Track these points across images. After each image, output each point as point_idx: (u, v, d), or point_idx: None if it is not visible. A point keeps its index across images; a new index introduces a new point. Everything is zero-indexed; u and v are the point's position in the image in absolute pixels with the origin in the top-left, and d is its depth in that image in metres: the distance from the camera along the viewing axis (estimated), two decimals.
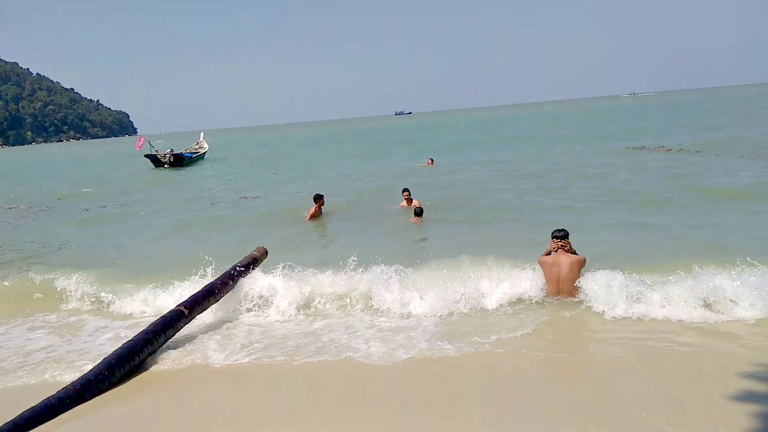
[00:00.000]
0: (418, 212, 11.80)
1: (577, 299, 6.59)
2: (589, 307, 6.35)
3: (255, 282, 7.27)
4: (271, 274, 7.32)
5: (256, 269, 7.59)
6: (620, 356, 5.17)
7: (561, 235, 6.92)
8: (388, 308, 6.83)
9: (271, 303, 7.06)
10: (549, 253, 7.01)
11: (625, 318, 6.06)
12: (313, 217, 12.70)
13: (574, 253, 6.93)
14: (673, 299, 6.17)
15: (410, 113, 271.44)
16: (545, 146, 28.80)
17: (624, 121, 48.54)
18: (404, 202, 13.14)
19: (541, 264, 6.98)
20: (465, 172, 20.18)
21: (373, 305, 6.93)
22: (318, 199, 12.93)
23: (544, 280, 6.88)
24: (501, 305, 6.70)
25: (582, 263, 6.81)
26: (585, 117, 64.21)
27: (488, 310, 6.63)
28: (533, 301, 6.74)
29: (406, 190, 13.32)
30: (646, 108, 74.35)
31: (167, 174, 29.40)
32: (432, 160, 22.82)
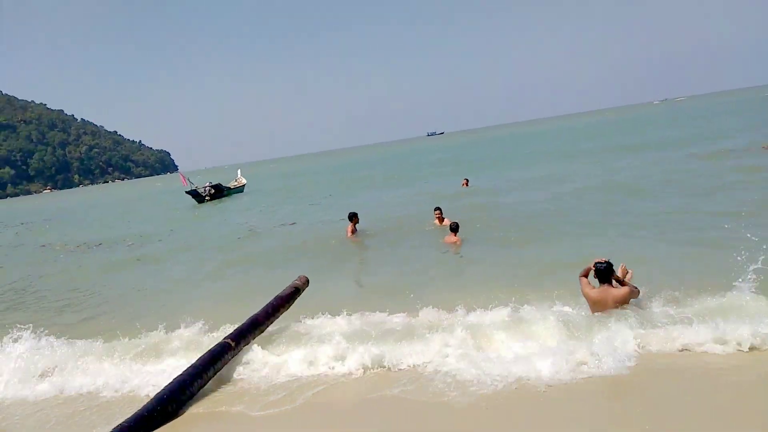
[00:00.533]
0: (454, 228, 11.49)
1: None
2: None
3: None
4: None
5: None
6: None
7: (603, 269, 6.26)
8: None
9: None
10: (587, 274, 6.50)
11: None
12: (352, 233, 13.30)
13: (621, 282, 6.36)
14: None
15: (442, 133, 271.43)
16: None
17: (683, 125, 46.66)
18: (436, 221, 13.14)
19: (585, 296, 6.46)
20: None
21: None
22: (353, 217, 13.45)
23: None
24: None
25: (629, 295, 6.23)
26: (634, 124, 62.61)
27: None
28: None
29: (438, 208, 13.34)
30: (697, 111, 71.92)
31: (208, 208, 30.18)
32: (467, 181, 21.84)
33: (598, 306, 6.32)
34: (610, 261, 6.36)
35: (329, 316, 7.31)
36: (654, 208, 12.84)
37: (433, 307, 7.18)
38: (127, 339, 7.49)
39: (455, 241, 11.39)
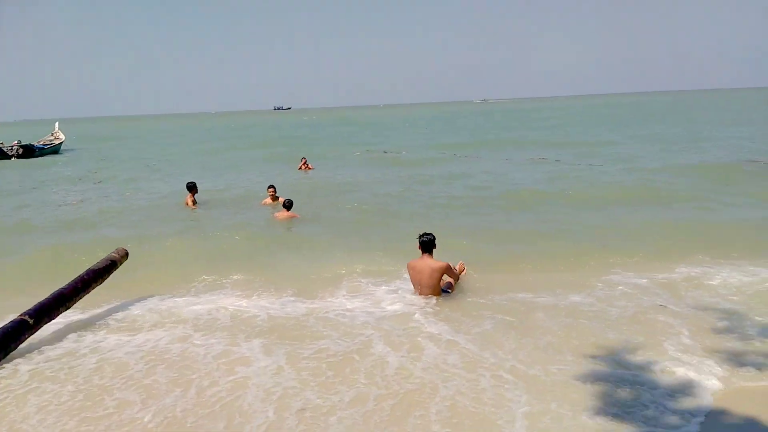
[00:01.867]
0: (287, 205, 11.59)
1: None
2: None
3: None
4: None
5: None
6: None
7: (424, 241, 6.94)
8: None
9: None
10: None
11: None
12: (193, 204, 13.20)
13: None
14: None
15: (289, 109, 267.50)
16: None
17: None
18: (268, 199, 13.15)
19: (408, 268, 7.10)
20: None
21: None
22: (192, 188, 13.35)
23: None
24: None
25: (446, 269, 6.90)
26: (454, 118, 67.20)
27: None
28: None
29: (271, 186, 13.40)
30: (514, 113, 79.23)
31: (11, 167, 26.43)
32: (305, 160, 21.17)
33: (416, 273, 6.92)
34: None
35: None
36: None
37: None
38: None
39: (288, 217, 11.48)
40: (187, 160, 25.57)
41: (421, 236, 6.96)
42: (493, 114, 74.41)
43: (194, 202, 13.33)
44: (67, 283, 6.54)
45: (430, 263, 6.85)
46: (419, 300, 6.83)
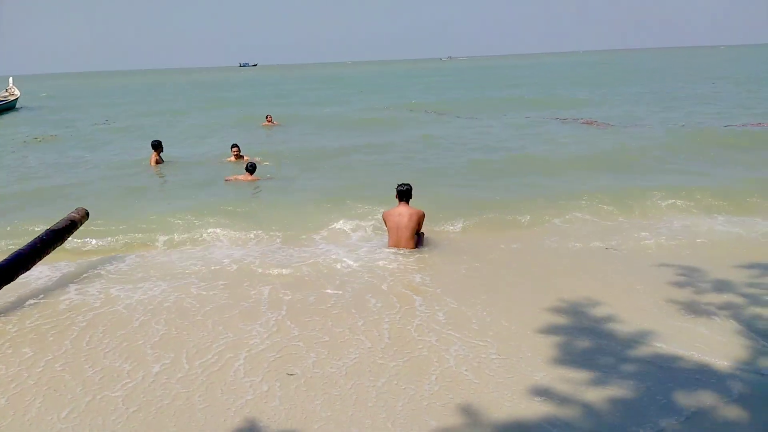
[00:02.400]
0: (250, 168, 11.27)
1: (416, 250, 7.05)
2: None
3: None
4: None
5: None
6: None
7: (402, 190, 7.22)
8: None
9: None
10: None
11: None
12: (157, 164, 13.04)
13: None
14: None
15: (255, 65, 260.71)
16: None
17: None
18: (232, 158, 13.01)
19: (384, 218, 7.30)
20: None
21: None
22: (157, 146, 13.18)
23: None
24: None
25: (423, 217, 7.17)
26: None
27: None
28: None
29: (234, 145, 13.20)
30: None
31: None
32: (270, 118, 21.13)
33: (394, 219, 7.12)
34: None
35: None
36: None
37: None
38: None
39: (251, 180, 11.25)
40: (148, 121, 24.72)
41: (399, 186, 7.24)
42: (464, 72, 73.73)
43: (158, 161, 13.10)
44: (25, 244, 6.37)
45: (408, 210, 7.12)
46: (393, 254, 6.98)
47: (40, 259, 6.38)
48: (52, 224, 6.82)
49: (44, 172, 13.50)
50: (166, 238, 7.87)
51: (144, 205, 9.76)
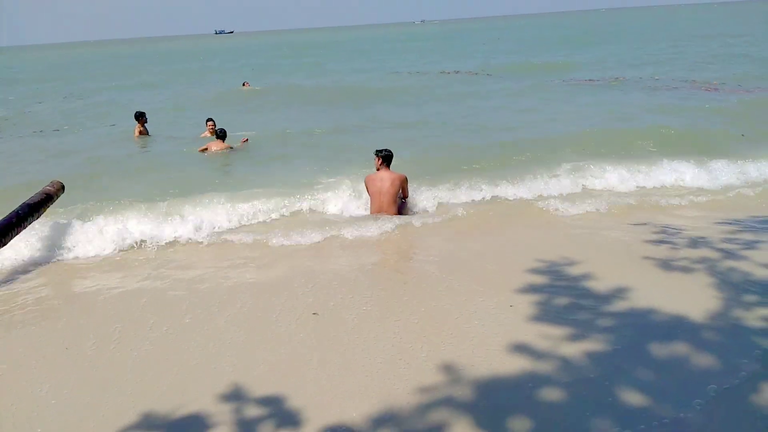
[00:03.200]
0: (221, 135, 11.26)
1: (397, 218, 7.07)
2: None
3: None
4: None
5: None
6: None
7: (382, 155, 7.22)
8: None
9: None
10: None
11: None
12: (140, 134, 12.95)
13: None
14: None
15: (232, 32, 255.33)
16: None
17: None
18: (207, 132, 12.76)
19: (366, 183, 7.31)
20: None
21: None
22: (140, 117, 13.03)
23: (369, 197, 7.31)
24: None
25: (405, 181, 7.22)
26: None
27: None
28: None
29: (210, 119, 12.93)
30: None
31: None
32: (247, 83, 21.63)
33: (377, 183, 7.13)
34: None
35: None
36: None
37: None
38: None
39: (223, 147, 11.21)
40: (122, 94, 24.07)
41: (380, 150, 7.27)
42: (447, 38, 72.72)
43: (142, 132, 12.97)
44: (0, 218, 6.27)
45: (390, 174, 7.15)
46: (374, 220, 6.97)
47: (17, 234, 6.31)
48: (27, 198, 6.72)
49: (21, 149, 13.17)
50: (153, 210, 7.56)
51: (127, 177, 9.74)
